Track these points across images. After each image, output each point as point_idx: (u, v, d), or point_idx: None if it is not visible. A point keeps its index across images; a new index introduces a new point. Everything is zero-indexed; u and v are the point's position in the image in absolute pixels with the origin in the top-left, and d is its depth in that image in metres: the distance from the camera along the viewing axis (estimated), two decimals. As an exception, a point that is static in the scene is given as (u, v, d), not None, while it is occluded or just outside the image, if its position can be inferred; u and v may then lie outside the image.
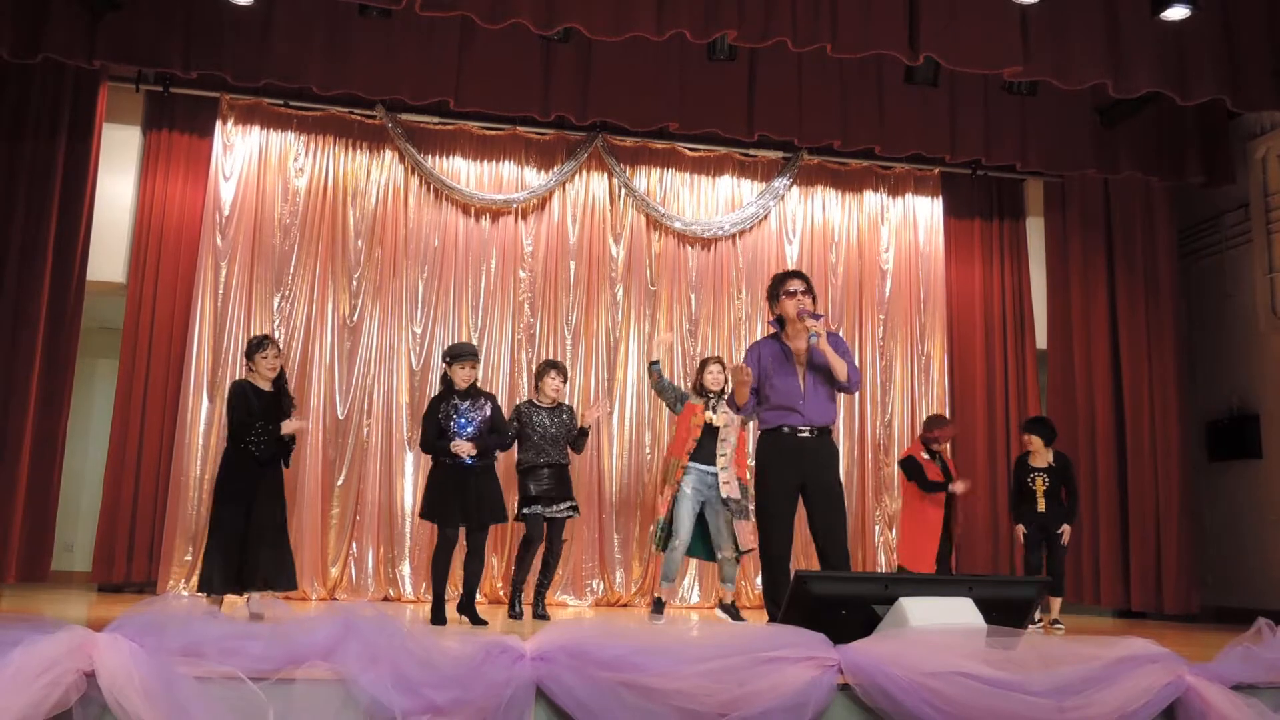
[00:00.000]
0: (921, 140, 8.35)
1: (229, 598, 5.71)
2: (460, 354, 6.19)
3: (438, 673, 2.52)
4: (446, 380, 6.21)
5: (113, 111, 8.09)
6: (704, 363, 7.10)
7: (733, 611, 6.92)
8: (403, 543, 8.15)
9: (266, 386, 5.88)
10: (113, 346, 8.33)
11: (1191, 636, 6.41)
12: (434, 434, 6.06)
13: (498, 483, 6.23)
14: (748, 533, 6.67)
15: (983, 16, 6.65)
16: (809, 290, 5.00)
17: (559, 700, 2.59)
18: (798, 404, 4.84)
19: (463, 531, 6.06)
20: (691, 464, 6.75)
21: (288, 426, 5.83)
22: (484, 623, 5.95)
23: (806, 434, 4.83)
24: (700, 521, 6.79)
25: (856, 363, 5.14)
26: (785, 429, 4.85)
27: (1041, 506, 7.34)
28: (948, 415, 9.08)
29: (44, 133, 7.59)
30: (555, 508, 6.66)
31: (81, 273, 7.71)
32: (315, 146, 8.59)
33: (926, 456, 7.56)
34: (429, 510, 6.09)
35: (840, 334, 5.32)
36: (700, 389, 6.95)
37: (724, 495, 6.69)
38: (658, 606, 6.77)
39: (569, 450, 6.85)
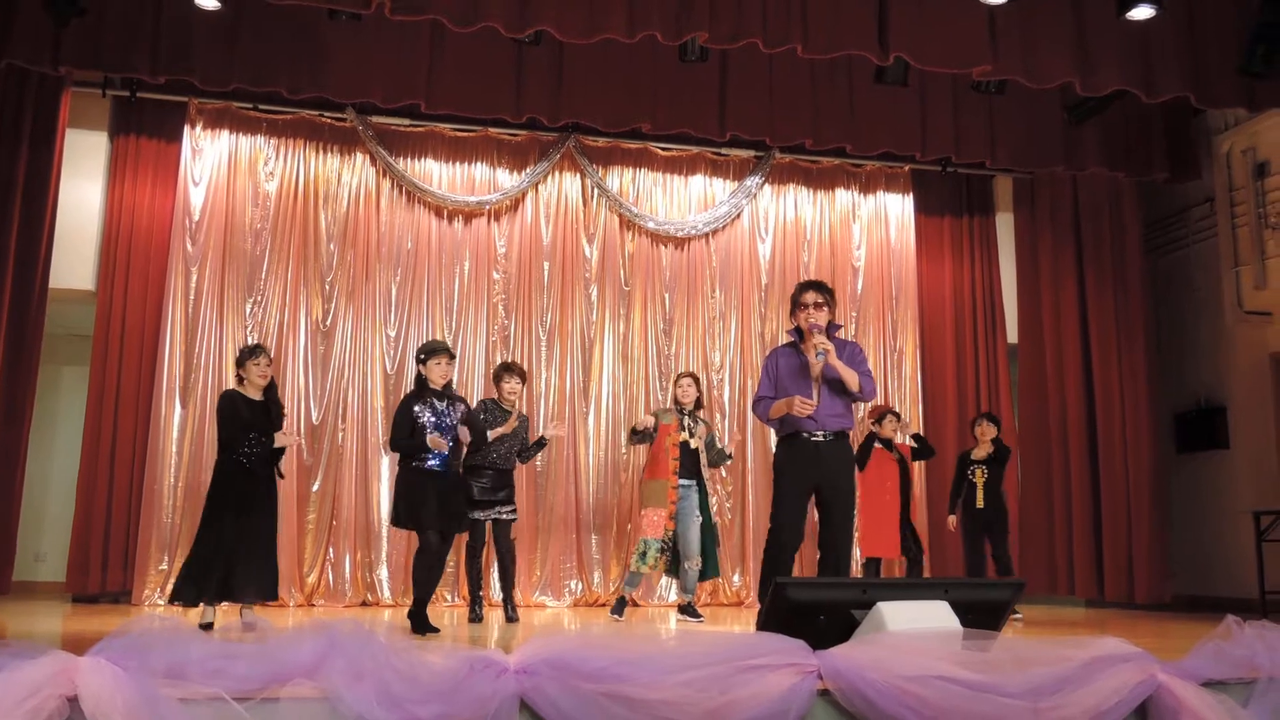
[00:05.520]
0: (892, 138, 8.40)
1: (200, 608, 5.70)
2: (435, 350, 6.02)
3: (422, 688, 2.53)
4: (420, 379, 6.02)
5: (79, 117, 8.01)
6: (677, 378, 7.32)
7: (691, 611, 7.02)
8: (379, 547, 8.14)
9: (256, 395, 5.84)
10: (82, 354, 8.25)
11: (1163, 627, 6.52)
12: (406, 433, 5.86)
13: (462, 491, 6.16)
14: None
15: (951, 17, 6.71)
16: (825, 303, 5.04)
17: (543, 712, 2.61)
18: (813, 411, 4.93)
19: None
20: (680, 480, 6.94)
21: (281, 439, 5.76)
22: (436, 630, 5.74)
23: (820, 438, 4.95)
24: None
25: (869, 368, 5.22)
26: (801, 435, 4.97)
27: (980, 502, 7.44)
28: (920, 410, 9.21)
29: (6, 139, 7.48)
30: (496, 511, 6.60)
31: (44, 280, 7.62)
32: (285, 150, 8.54)
33: (879, 446, 7.71)
34: (406, 517, 5.83)
35: (856, 343, 5.39)
36: (676, 403, 7.17)
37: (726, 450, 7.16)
38: (620, 606, 6.96)
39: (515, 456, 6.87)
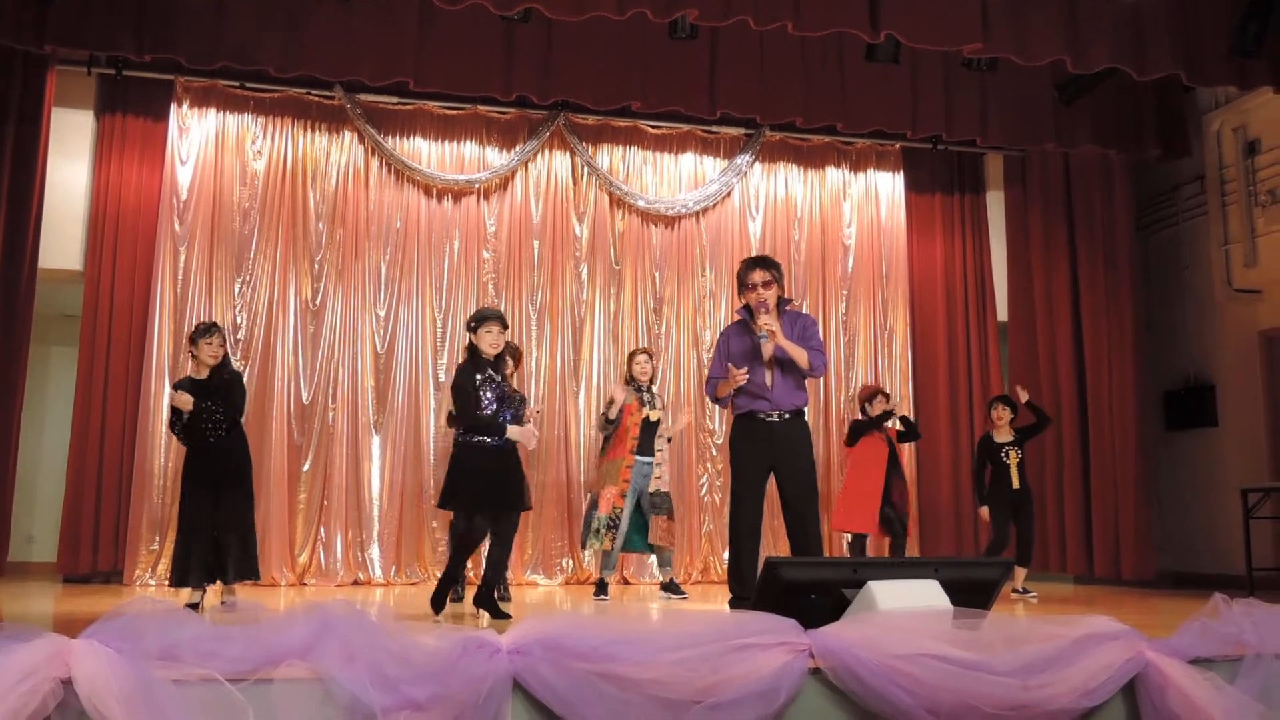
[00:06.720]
0: (883, 116, 8.38)
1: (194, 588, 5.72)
2: (485, 317, 5.50)
3: (415, 669, 2.53)
4: (472, 349, 5.52)
5: (65, 96, 7.95)
6: (632, 354, 7.26)
7: (674, 588, 7.05)
8: (371, 526, 8.15)
9: (204, 375, 5.78)
10: (70, 334, 8.21)
11: (1150, 604, 6.56)
12: (477, 404, 5.39)
13: (520, 468, 5.72)
14: (664, 529, 6.96)
15: (943, -7, 6.69)
16: (772, 280, 4.98)
17: (536, 693, 2.62)
18: (765, 391, 4.94)
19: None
20: (636, 458, 6.88)
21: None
22: (507, 616, 5.36)
23: (775, 419, 4.94)
24: (636, 511, 6.92)
25: (821, 341, 5.18)
26: (754, 414, 4.96)
27: (1016, 483, 7.41)
28: (910, 389, 9.24)
29: (-8, 119, 7.44)
30: None
31: (33, 261, 7.58)
32: (273, 128, 8.49)
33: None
34: (466, 498, 5.40)
35: (809, 315, 5.35)
36: (630, 380, 7.08)
37: (653, 489, 6.89)
38: (601, 588, 6.90)
39: None
